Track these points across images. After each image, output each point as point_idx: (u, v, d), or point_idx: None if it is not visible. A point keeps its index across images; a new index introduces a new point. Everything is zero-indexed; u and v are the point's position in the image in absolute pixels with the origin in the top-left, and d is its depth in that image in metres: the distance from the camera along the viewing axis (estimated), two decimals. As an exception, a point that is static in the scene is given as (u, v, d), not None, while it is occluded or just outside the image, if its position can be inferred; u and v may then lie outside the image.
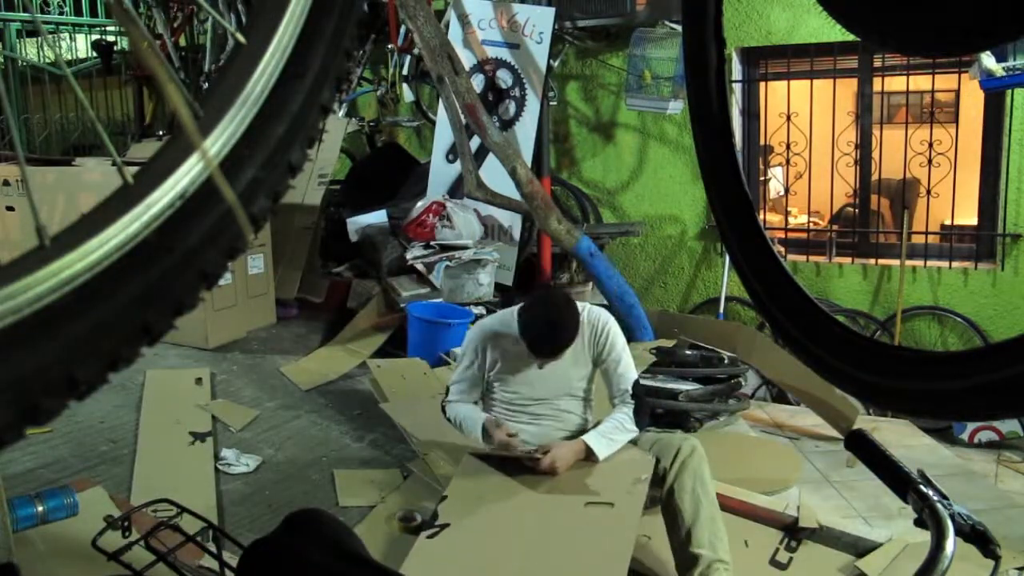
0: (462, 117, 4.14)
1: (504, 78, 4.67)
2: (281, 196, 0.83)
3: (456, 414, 2.62)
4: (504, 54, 4.67)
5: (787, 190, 5.14)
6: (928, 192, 4.62)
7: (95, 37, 6.71)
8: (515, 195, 4.15)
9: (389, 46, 5.30)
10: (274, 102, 0.79)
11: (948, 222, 4.78)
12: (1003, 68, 3.59)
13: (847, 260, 4.88)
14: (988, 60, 3.59)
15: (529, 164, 4.26)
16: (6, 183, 3.89)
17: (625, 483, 2.30)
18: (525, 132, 4.61)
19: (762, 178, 5.20)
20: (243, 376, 3.71)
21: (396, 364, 3.68)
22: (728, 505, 2.64)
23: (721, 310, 4.87)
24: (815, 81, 4.82)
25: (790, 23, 4.77)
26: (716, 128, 1.46)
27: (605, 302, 4.06)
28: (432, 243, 4.41)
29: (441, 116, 4.73)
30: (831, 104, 4.78)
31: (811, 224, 5.24)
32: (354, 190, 5.38)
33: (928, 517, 1.10)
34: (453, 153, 4.70)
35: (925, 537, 1.08)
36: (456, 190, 4.68)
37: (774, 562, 2.58)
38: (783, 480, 3.23)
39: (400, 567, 2.02)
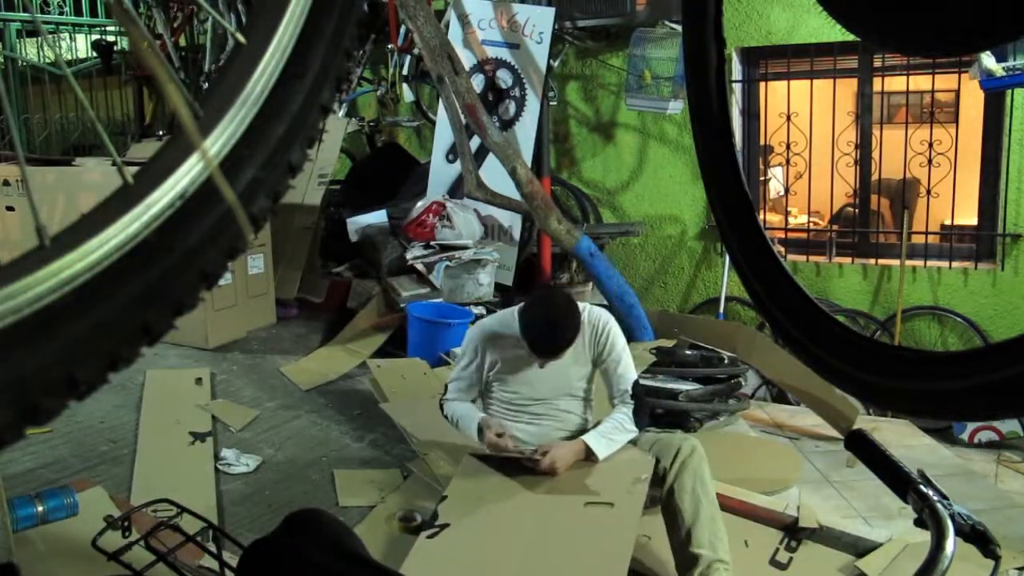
0: (462, 117, 4.14)
1: (504, 78, 4.67)
2: (281, 196, 0.83)
3: (453, 412, 2.62)
4: (504, 54, 4.67)
5: (787, 190, 5.14)
6: (928, 192, 4.62)
7: (95, 37, 6.71)
8: (515, 195, 4.15)
9: (389, 46, 5.30)
10: (274, 102, 0.79)
11: (948, 222, 4.78)
12: (1003, 68, 3.59)
13: (847, 260, 4.88)
14: (988, 60, 3.59)
15: (529, 164, 4.26)
16: (6, 183, 3.89)
17: (625, 483, 2.30)
18: (525, 132, 4.61)
19: (762, 178, 5.20)
20: (243, 376, 3.71)
21: (396, 364, 3.68)
22: (728, 505, 2.64)
23: (721, 310, 4.87)
24: (815, 81, 4.82)
25: (790, 23, 4.77)
26: (716, 128, 1.46)
27: (605, 302, 4.06)
28: (432, 243, 4.41)
29: (441, 116, 4.73)
30: (831, 104, 4.78)
31: (811, 224, 5.24)
32: (354, 190, 5.38)
33: (928, 517, 1.10)
34: (453, 153, 4.70)
35: (925, 537, 1.08)
36: (456, 190, 4.68)
37: (774, 562, 2.58)
38: (783, 480, 3.23)
39: (400, 567, 2.02)
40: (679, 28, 4.32)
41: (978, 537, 1.09)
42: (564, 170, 5.52)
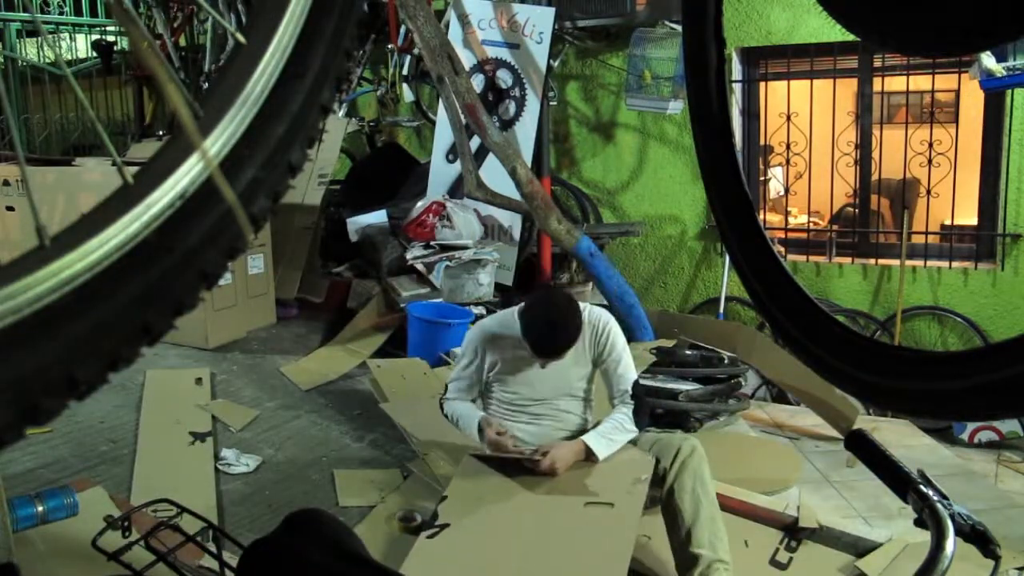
0: (462, 117, 4.14)
1: (504, 78, 4.67)
2: (281, 196, 0.83)
3: (453, 411, 2.62)
4: (504, 54, 4.67)
5: (787, 190, 5.14)
6: (928, 192, 4.62)
7: (95, 37, 6.71)
8: (515, 195, 4.15)
9: (389, 46, 5.30)
10: (274, 102, 0.79)
11: (948, 222, 4.78)
12: (1003, 68, 3.59)
13: (847, 260, 4.88)
14: (988, 60, 3.59)
15: (529, 164, 4.26)
16: (6, 183, 3.89)
17: (625, 483, 2.30)
18: (525, 132, 4.61)
19: (762, 178, 5.20)
20: (243, 376, 3.71)
21: (396, 364, 3.68)
22: (728, 505, 2.64)
23: (721, 310, 4.87)
24: (815, 81, 4.82)
25: (790, 23, 4.77)
26: (716, 128, 1.46)
27: (605, 302, 4.06)
28: (432, 243, 4.41)
29: (441, 116, 4.73)
30: (831, 104, 4.78)
31: (811, 224, 5.24)
32: (354, 190, 5.38)
33: (928, 517, 1.10)
34: (453, 153, 4.70)
35: (925, 537, 1.08)
36: (456, 190, 4.68)
37: (774, 562, 2.58)
38: (783, 480, 3.23)
39: (400, 567, 2.02)
40: (679, 28, 4.32)
41: (978, 537, 1.09)
42: (564, 170, 5.52)
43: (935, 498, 1.11)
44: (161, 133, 5.67)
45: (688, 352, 3.92)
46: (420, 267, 4.27)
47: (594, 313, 2.58)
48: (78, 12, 6.70)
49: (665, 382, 3.66)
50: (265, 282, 4.26)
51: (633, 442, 2.51)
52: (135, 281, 0.70)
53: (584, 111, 5.46)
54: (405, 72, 5.27)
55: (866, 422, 3.80)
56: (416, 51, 4.84)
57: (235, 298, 4.06)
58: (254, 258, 4.16)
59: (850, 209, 5.05)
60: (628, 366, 2.58)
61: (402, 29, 5.13)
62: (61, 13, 6.60)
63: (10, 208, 3.88)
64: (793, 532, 2.67)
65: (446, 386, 2.71)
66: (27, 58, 6.81)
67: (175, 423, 3.17)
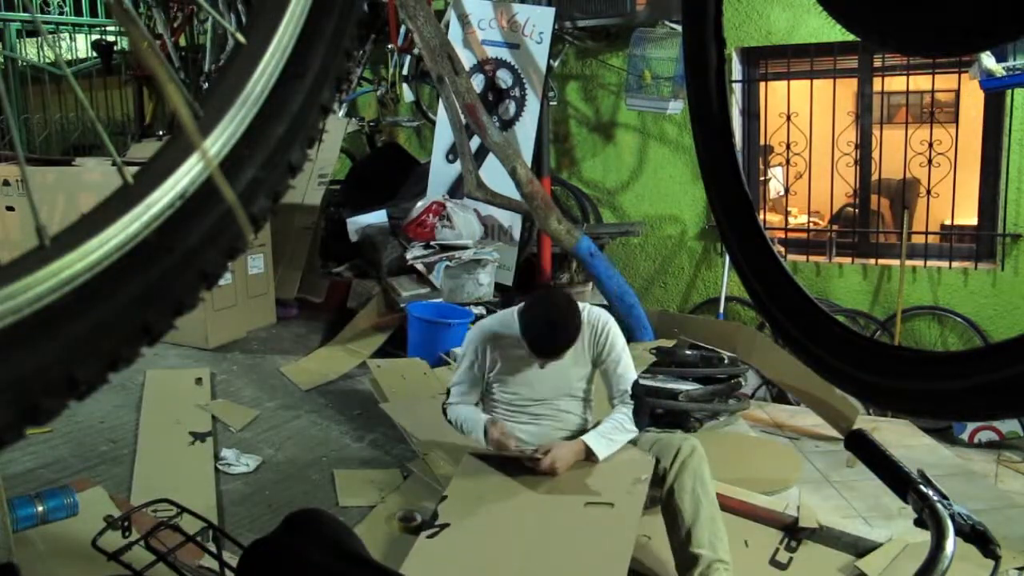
0: (462, 117, 4.14)
1: (504, 78, 4.67)
2: (281, 196, 0.83)
3: (457, 416, 2.62)
4: (504, 54, 4.67)
5: (787, 190, 5.14)
6: (928, 192, 4.62)
7: (95, 37, 6.71)
8: (515, 195, 4.15)
9: (389, 46, 5.30)
10: (274, 102, 0.79)
11: (948, 222, 4.78)
12: (1003, 68, 3.59)
13: (847, 260, 4.88)
14: (988, 60, 3.59)
15: (529, 164, 4.26)
16: (6, 183, 3.89)
17: (625, 483, 2.30)
18: (525, 132, 4.61)
19: (762, 178, 5.20)
20: (243, 376, 3.71)
21: (396, 364, 3.68)
22: (728, 505, 2.64)
23: (721, 310, 4.87)
24: (815, 81, 4.82)
25: (790, 23, 4.77)
26: (716, 128, 1.46)
27: (605, 302, 4.06)
28: (432, 243, 4.41)
29: (441, 116, 4.73)
30: (831, 104, 4.78)
31: (811, 224, 5.24)
32: (354, 190, 5.38)
33: (928, 517, 1.10)
34: (453, 153, 4.70)
35: (925, 537, 1.08)
36: (456, 190, 4.68)
37: (774, 562, 2.58)
38: (783, 480, 3.23)
39: (400, 567, 2.02)
40: (679, 28, 4.32)
41: (978, 537, 1.09)
42: (564, 170, 5.52)
43: (935, 498, 1.11)
44: (161, 133, 5.67)
45: (688, 352, 3.92)
46: (420, 267, 4.27)
47: (593, 313, 2.58)
48: (78, 12, 6.70)
49: (665, 382, 3.66)
50: (265, 282, 4.26)
51: (633, 442, 2.51)
52: (135, 281, 0.70)
53: (584, 111, 5.46)
54: (405, 72, 5.27)
55: (866, 422, 3.80)
56: (416, 51, 4.84)
57: (235, 298, 4.06)
58: (254, 258, 4.16)
59: (850, 209, 5.05)
60: (628, 366, 2.58)
61: (402, 29, 5.13)
62: (61, 13, 6.60)
63: (10, 208, 3.88)
64: (793, 532, 2.67)
65: (448, 390, 2.70)
66: (27, 58, 6.81)
67: (175, 423, 3.17)
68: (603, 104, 5.40)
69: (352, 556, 1.39)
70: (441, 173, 4.85)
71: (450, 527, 2.17)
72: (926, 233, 4.72)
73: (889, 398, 1.34)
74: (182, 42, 6.24)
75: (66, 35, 6.70)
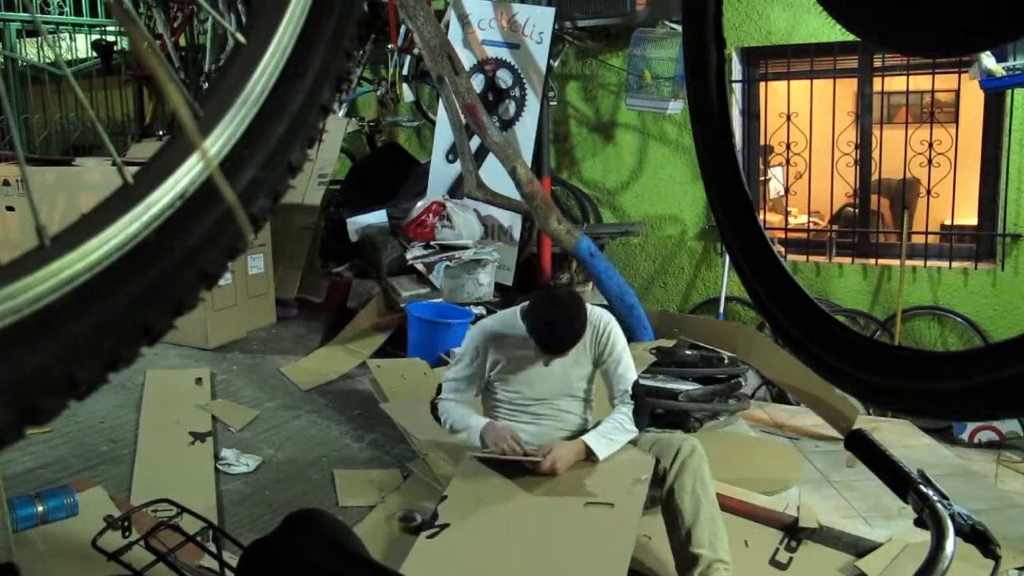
0: (462, 117, 4.14)
1: (504, 78, 4.67)
2: (281, 196, 0.83)
3: (449, 415, 2.60)
4: (504, 54, 4.67)
5: (787, 190, 5.14)
6: (928, 192, 4.62)
7: (95, 37, 6.71)
8: (515, 195, 4.15)
9: (389, 46, 5.30)
10: (274, 102, 0.79)
11: (948, 222, 4.78)
12: (1003, 68, 3.59)
13: (847, 260, 4.88)
14: (988, 60, 3.59)
15: (529, 164, 4.26)
16: (6, 183, 3.89)
17: (625, 483, 2.30)
18: (525, 132, 4.61)
19: (762, 178, 5.20)
20: (243, 376, 3.71)
21: (396, 364, 3.68)
22: (728, 505, 2.64)
23: (721, 310, 4.87)
24: (815, 81, 4.82)
25: (790, 23, 4.77)
26: (716, 128, 1.46)
27: (605, 302, 4.06)
28: (432, 243, 4.41)
29: (441, 116, 4.73)
30: (831, 104, 4.78)
31: (811, 224, 5.24)
32: (354, 190, 5.38)
33: (928, 517, 1.10)
34: (453, 153, 4.70)
35: (925, 537, 1.08)
36: (456, 190, 4.68)
37: (774, 562, 2.58)
38: (783, 480, 3.23)
39: (400, 567, 2.02)
40: (679, 28, 4.32)
41: (978, 537, 1.09)
42: (564, 170, 5.52)
43: (935, 498, 1.11)
44: (161, 133, 5.67)
45: (688, 352, 3.92)
46: (420, 267, 4.27)
47: (595, 313, 2.58)
48: (78, 12, 6.70)
49: (665, 382, 3.66)
50: (265, 282, 4.26)
51: (633, 442, 2.51)
52: (135, 281, 0.70)
53: (584, 111, 5.46)
54: (405, 72, 5.27)
55: (866, 422, 3.80)
56: (416, 51, 4.84)
57: (235, 298, 4.06)
58: (254, 258, 4.16)
59: (850, 209, 5.05)
60: (628, 366, 2.58)
61: (402, 29, 5.13)
62: (61, 13, 6.60)
63: (10, 208, 3.88)
64: (793, 532, 2.67)
65: (439, 386, 2.70)
66: (27, 58, 6.81)
67: (175, 423, 3.17)
68: (603, 104, 5.40)
69: (352, 556, 1.39)
70: (441, 173, 4.85)
71: (450, 527, 2.17)
72: (926, 233, 4.72)
73: (889, 398, 1.34)
74: (182, 42, 6.24)
75: (66, 35, 6.70)
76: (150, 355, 3.39)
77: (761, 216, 4.57)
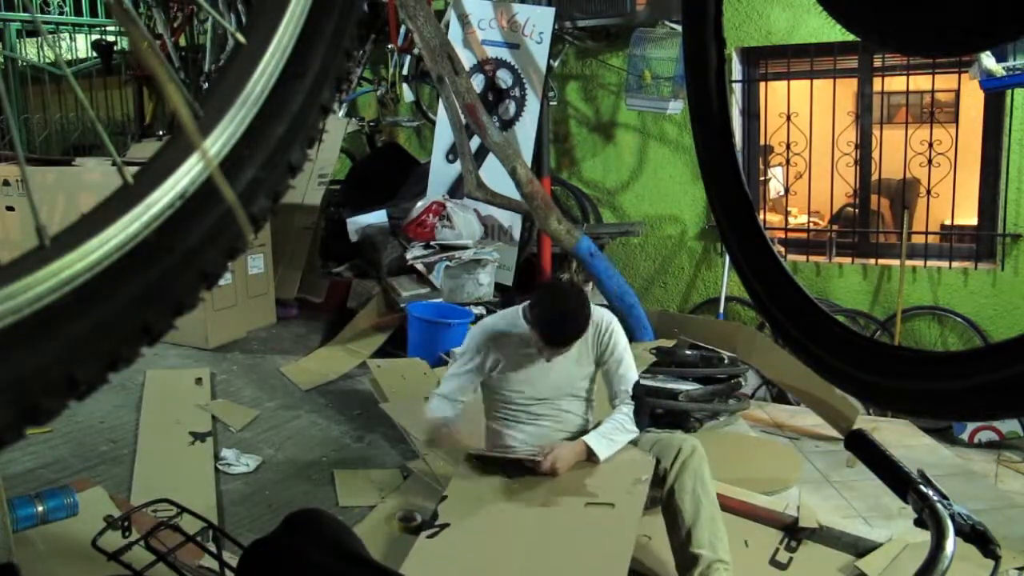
0: (462, 117, 4.14)
1: (504, 78, 4.67)
2: (281, 196, 0.83)
3: (431, 408, 2.62)
4: (504, 54, 4.67)
5: (787, 190, 5.14)
6: (928, 192, 4.62)
7: (95, 37, 6.70)
8: (515, 195, 4.15)
9: (389, 46, 5.30)
10: (274, 102, 0.79)
11: (948, 222, 4.78)
12: (1003, 68, 3.59)
13: (847, 260, 4.88)
14: (988, 60, 3.59)
15: (529, 164, 4.26)
16: (6, 183, 3.89)
17: (625, 484, 2.30)
18: (525, 132, 4.61)
19: (762, 178, 5.20)
20: (243, 376, 3.71)
21: (396, 364, 3.68)
22: (728, 505, 2.64)
23: (721, 310, 4.87)
24: (815, 81, 4.82)
25: (790, 23, 4.77)
26: (716, 128, 1.46)
27: (605, 302, 4.06)
28: (432, 243, 4.41)
29: (441, 116, 4.73)
30: (831, 104, 4.78)
31: (811, 224, 5.24)
32: (354, 190, 5.38)
33: (928, 517, 1.09)
34: (453, 153, 4.70)
35: (925, 537, 1.08)
36: (456, 190, 4.68)
37: (774, 562, 2.58)
38: (783, 480, 3.23)
39: (400, 567, 2.02)
40: (679, 28, 4.32)
41: (978, 537, 1.09)
42: (564, 170, 5.52)
43: (935, 498, 1.11)
44: (161, 133, 5.67)
45: (688, 352, 3.91)
46: (420, 267, 4.27)
47: (597, 313, 2.58)
48: (78, 12, 6.70)
49: (665, 382, 3.66)
50: (265, 282, 4.26)
51: (633, 442, 2.51)
52: (135, 281, 0.70)
53: (584, 111, 5.46)
54: (405, 72, 5.27)
55: (866, 422, 3.80)
56: (416, 51, 4.84)
57: (235, 298, 4.06)
58: (254, 258, 4.16)
59: (850, 209, 5.05)
60: (629, 367, 2.58)
61: (402, 29, 5.13)
62: (61, 13, 6.60)
63: (10, 208, 3.88)
64: (793, 532, 2.67)
65: (439, 381, 2.71)
66: (27, 58, 6.81)
67: (175, 423, 3.17)
68: (603, 104, 5.40)
69: (352, 556, 1.39)
70: (441, 173, 4.85)
71: (450, 527, 2.18)
72: (926, 233, 4.72)
73: (889, 398, 1.34)
74: (182, 42, 6.24)
75: (66, 35, 6.70)
76: (150, 355, 3.39)
77: (761, 216, 4.57)
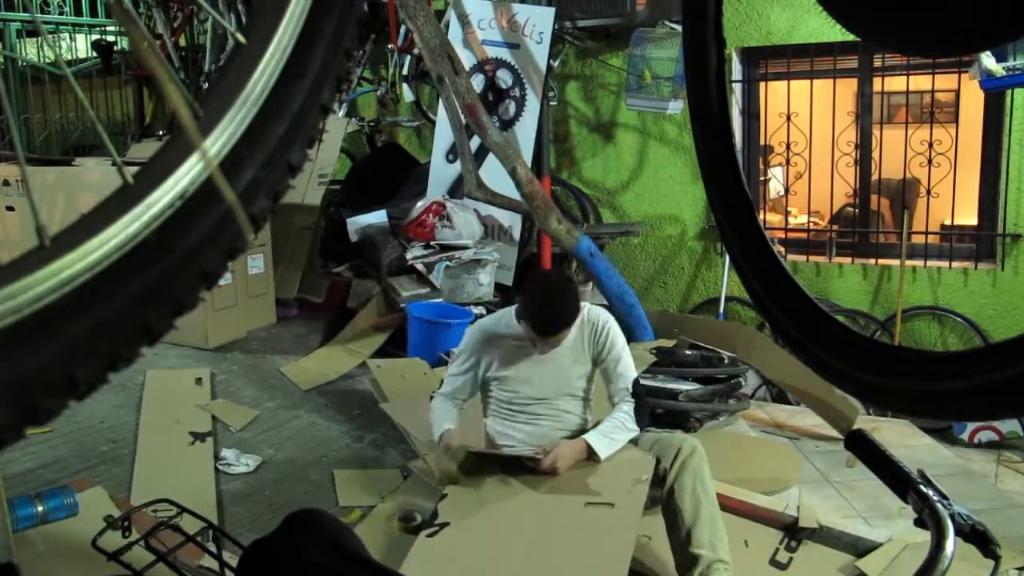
0: (462, 117, 4.14)
1: (504, 78, 4.67)
2: (281, 196, 0.83)
3: (433, 409, 2.62)
4: (504, 54, 4.67)
5: (787, 190, 5.14)
6: (928, 192, 4.62)
7: (95, 37, 6.71)
8: (515, 195, 4.15)
9: (389, 46, 5.30)
10: (274, 102, 0.79)
11: (948, 222, 4.78)
12: (1003, 68, 3.59)
13: (847, 260, 4.88)
14: (988, 60, 3.59)
15: (529, 164, 4.26)
16: (6, 183, 3.89)
17: (625, 483, 2.30)
18: (525, 132, 4.61)
19: (762, 178, 5.20)
20: (243, 376, 3.71)
21: (396, 364, 3.68)
22: (728, 505, 2.64)
23: (721, 310, 4.87)
24: (815, 81, 4.82)
25: (790, 23, 4.77)
26: (716, 128, 1.46)
27: (605, 302, 4.06)
28: (432, 243, 4.41)
29: (441, 116, 4.73)
30: (831, 104, 4.78)
31: (811, 224, 5.24)
32: (354, 190, 5.38)
33: (928, 517, 1.09)
34: (453, 153, 4.70)
35: (925, 537, 1.08)
36: (456, 190, 4.68)
37: (774, 562, 2.58)
38: (783, 480, 3.23)
39: (400, 567, 2.02)
40: (679, 28, 4.32)
41: (978, 537, 1.09)
42: (564, 170, 5.52)
43: (935, 498, 1.11)
44: (161, 133, 5.67)
45: (688, 352, 3.91)
46: (420, 267, 4.27)
47: (593, 312, 2.58)
48: (78, 12, 6.70)
49: (665, 382, 3.66)
50: (265, 282, 4.26)
51: (633, 441, 2.51)
52: (135, 281, 0.70)
53: (584, 111, 5.46)
54: (405, 72, 5.27)
55: (866, 422, 3.80)
56: (416, 51, 4.84)
57: (235, 298, 4.06)
58: (254, 258, 4.16)
59: (850, 209, 5.05)
60: (628, 365, 2.58)
61: (402, 29, 5.13)
62: (61, 13, 6.60)
63: (10, 208, 3.88)
64: (793, 532, 2.67)
65: (441, 380, 2.71)
66: (27, 58, 6.81)
67: (175, 423, 3.17)
68: (603, 104, 5.40)
69: (352, 556, 1.39)
70: (441, 173, 4.85)
71: (450, 526, 2.17)
72: (926, 233, 4.71)
73: (889, 398, 1.34)
74: (182, 42, 6.24)
75: (66, 35, 6.70)
76: (150, 355, 3.39)
77: (761, 216, 4.57)
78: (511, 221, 4.69)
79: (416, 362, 3.72)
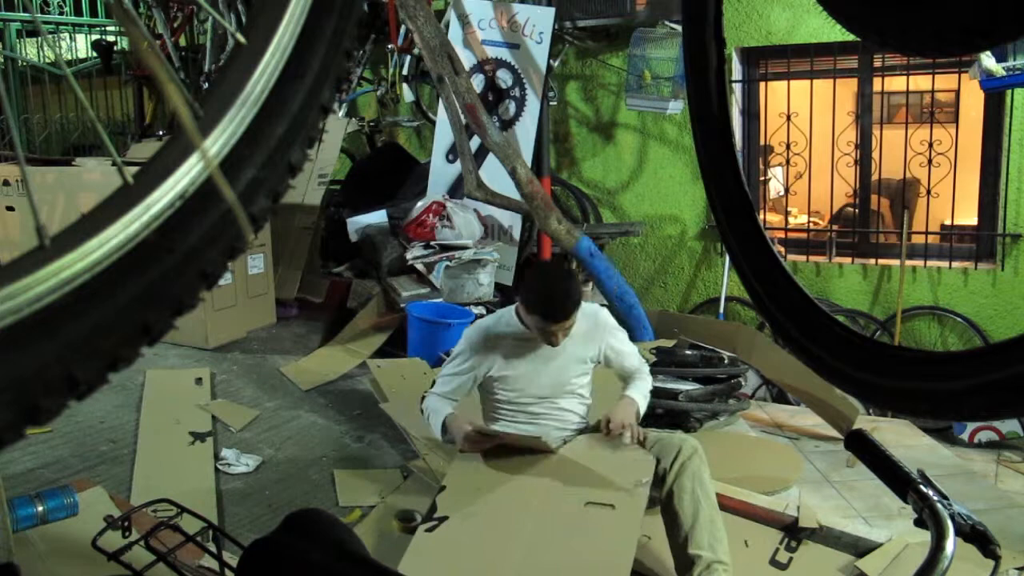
0: (462, 117, 4.14)
1: (504, 78, 4.67)
2: (281, 196, 0.83)
3: (427, 406, 2.62)
4: (504, 54, 4.67)
5: (787, 190, 5.14)
6: (928, 192, 4.62)
7: (95, 37, 6.71)
8: (515, 195, 4.15)
9: (389, 46, 5.30)
10: (274, 102, 0.79)
11: (948, 222, 4.78)
12: (1003, 68, 3.59)
13: (847, 260, 4.88)
14: (988, 60, 3.59)
15: (529, 164, 4.26)
16: (6, 183, 3.89)
17: (627, 485, 2.30)
18: (525, 132, 4.61)
19: (762, 178, 5.20)
20: (243, 376, 3.71)
21: (396, 364, 3.68)
22: (728, 505, 2.64)
23: (721, 310, 4.87)
24: (815, 81, 4.82)
25: (790, 23, 4.77)
26: (716, 128, 1.46)
27: (605, 302, 4.06)
28: (432, 243, 4.41)
29: (441, 116, 4.73)
30: (831, 104, 4.78)
31: (811, 224, 5.24)
32: (354, 190, 5.38)
33: (928, 517, 1.09)
34: (453, 153, 4.70)
35: (925, 537, 1.08)
36: (456, 190, 4.68)
37: (774, 562, 2.58)
38: (783, 480, 3.23)
39: (399, 564, 2.01)
40: (679, 28, 4.32)
41: (978, 537, 1.09)
42: (564, 170, 5.52)
43: (935, 498, 1.11)
44: (161, 133, 5.67)
45: (688, 352, 3.91)
46: (420, 267, 4.27)
47: (586, 306, 2.59)
48: (78, 12, 6.70)
49: (665, 382, 3.66)
50: (265, 282, 4.26)
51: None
52: (135, 281, 0.70)
53: (584, 111, 5.46)
54: (405, 72, 5.27)
55: (866, 422, 3.79)
56: (416, 51, 4.84)
57: (235, 298, 4.06)
58: (254, 258, 4.16)
59: (850, 209, 5.05)
60: (626, 341, 2.65)
61: (402, 29, 5.13)
62: (61, 13, 6.60)
63: (10, 208, 3.88)
64: (793, 532, 2.67)
65: (433, 380, 2.71)
66: (27, 58, 6.81)
67: (175, 423, 3.17)
68: (603, 104, 5.40)
69: (352, 556, 1.39)
70: (441, 173, 4.85)
71: (448, 521, 2.16)
72: (926, 233, 4.72)
73: (889, 398, 1.34)
74: (182, 42, 6.24)
75: (66, 35, 6.70)
76: (150, 355, 3.39)
77: (761, 216, 4.57)
78: (511, 221, 4.69)
79: (416, 362, 3.72)
